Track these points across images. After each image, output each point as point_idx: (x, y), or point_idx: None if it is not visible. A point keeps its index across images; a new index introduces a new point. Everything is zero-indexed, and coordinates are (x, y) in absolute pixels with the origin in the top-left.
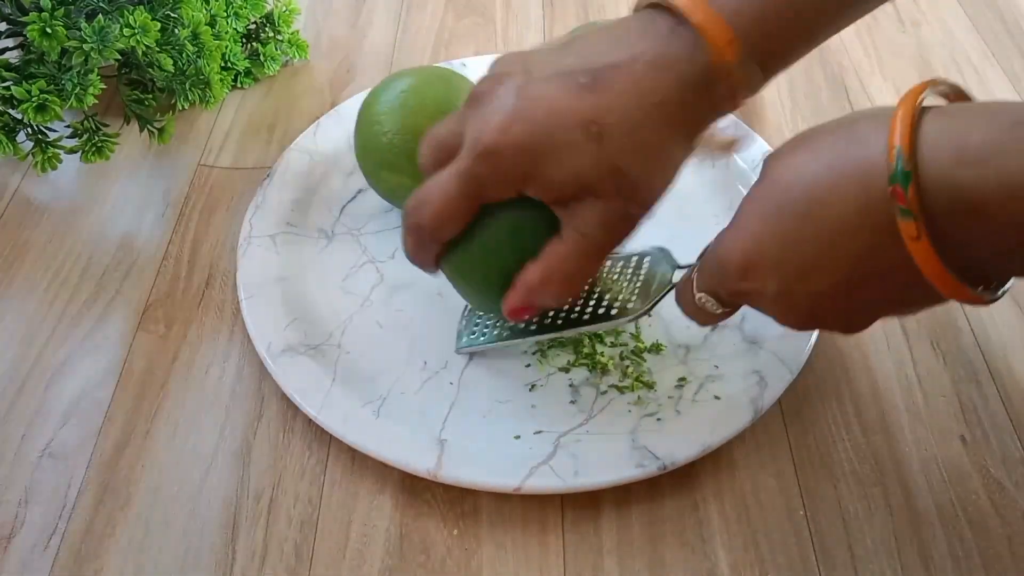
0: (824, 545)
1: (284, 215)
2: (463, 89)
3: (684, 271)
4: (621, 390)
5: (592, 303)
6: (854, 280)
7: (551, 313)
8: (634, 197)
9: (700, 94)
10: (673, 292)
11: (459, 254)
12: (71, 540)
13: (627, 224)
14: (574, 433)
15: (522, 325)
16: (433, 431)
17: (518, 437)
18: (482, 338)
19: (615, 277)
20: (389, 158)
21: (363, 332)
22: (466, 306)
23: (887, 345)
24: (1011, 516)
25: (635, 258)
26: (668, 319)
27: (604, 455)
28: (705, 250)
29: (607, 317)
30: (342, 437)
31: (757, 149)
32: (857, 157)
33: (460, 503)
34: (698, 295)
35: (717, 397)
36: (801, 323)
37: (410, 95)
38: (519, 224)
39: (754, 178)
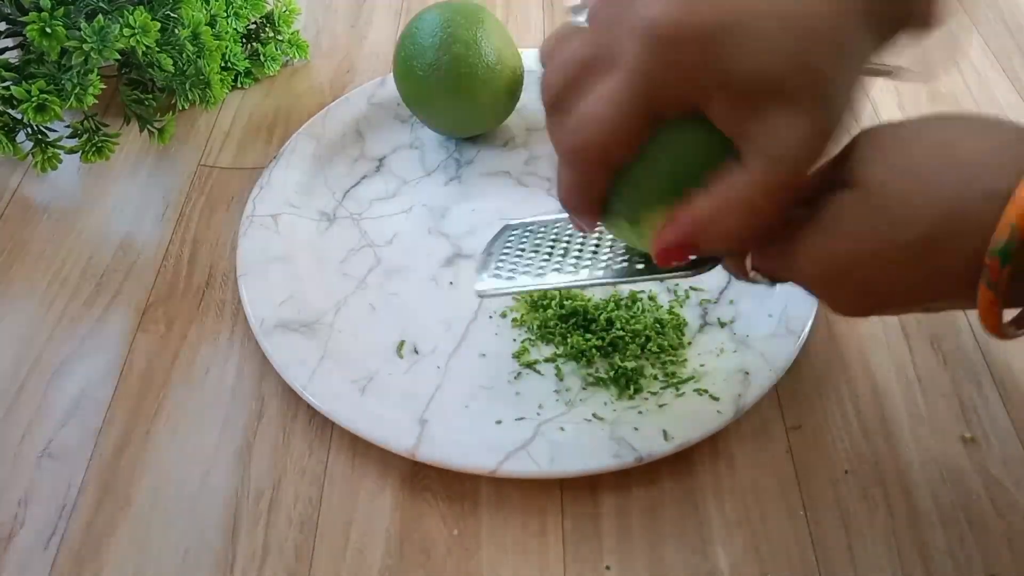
0: (824, 545)
1: (287, 196)
2: (488, 22)
3: None
4: (606, 382)
5: (624, 252)
6: (924, 304)
7: (588, 260)
8: (830, 105)
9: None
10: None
11: (628, 189)
12: (71, 540)
13: (820, 142)
14: (555, 421)
15: (552, 270)
16: (416, 412)
17: (499, 422)
18: (504, 282)
19: None
20: (425, 90)
21: (356, 313)
22: (491, 240)
23: (887, 345)
24: (1011, 516)
25: None
26: (659, 313)
27: (582, 444)
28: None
29: (651, 271)
30: (326, 412)
31: None
32: (971, 209)
33: (460, 503)
34: (752, 273)
35: (700, 394)
36: (853, 316)
37: (442, 31)
38: (702, 143)
39: None
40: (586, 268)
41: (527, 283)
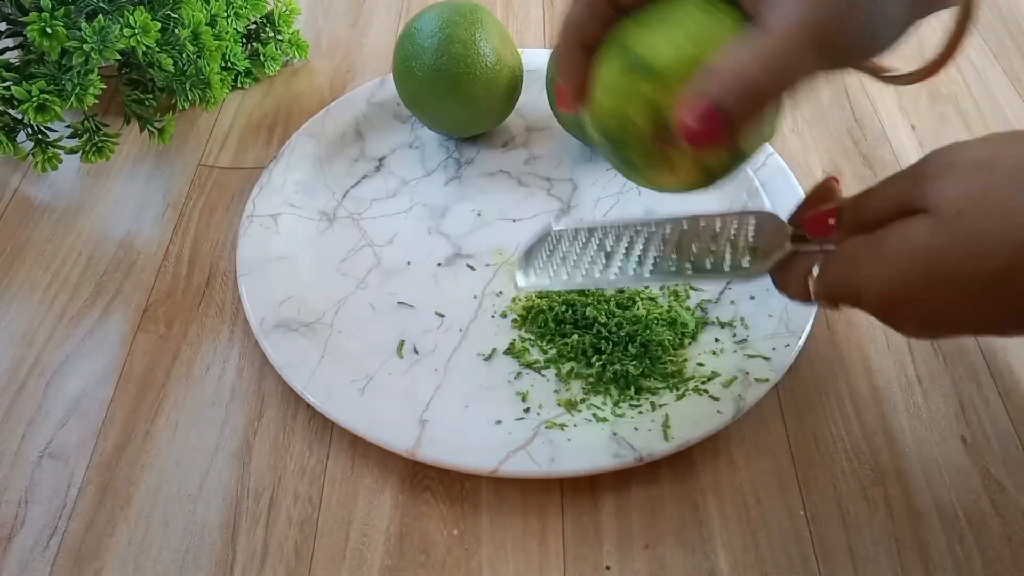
0: (824, 545)
1: (287, 196)
2: (488, 22)
3: (792, 241)
4: (606, 382)
5: (692, 253)
6: (994, 333)
7: (637, 259)
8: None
9: None
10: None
11: None
12: (71, 540)
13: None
14: (555, 421)
15: (599, 270)
16: (416, 412)
17: (499, 422)
18: (547, 280)
19: (715, 231)
20: (424, 91)
21: (356, 313)
22: (532, 242)
23: (887, 345)
24: (1011, 516)
25: (735, 217)
26: (659, 313)
27: (582, 444)
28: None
29: (717, 271)
30: (326, 413)
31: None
32: None
33: (460, 503)
34: (815, 298)
35: (700, 394)
36: (918, 339)
37: (441, 31)
38: None
39: (756, 182)
40: (633, 271)
41: (570, 282)
